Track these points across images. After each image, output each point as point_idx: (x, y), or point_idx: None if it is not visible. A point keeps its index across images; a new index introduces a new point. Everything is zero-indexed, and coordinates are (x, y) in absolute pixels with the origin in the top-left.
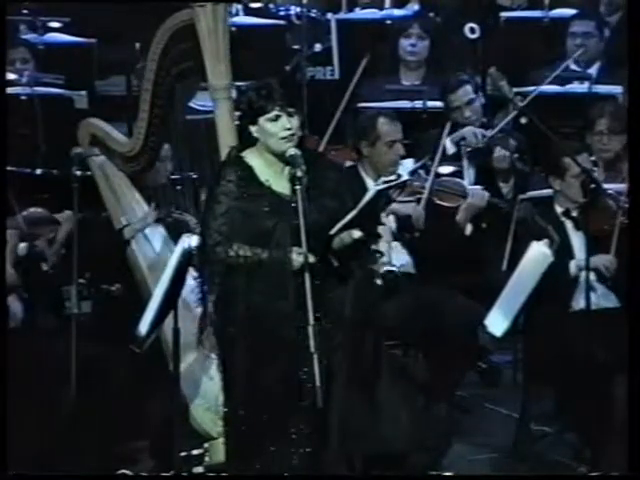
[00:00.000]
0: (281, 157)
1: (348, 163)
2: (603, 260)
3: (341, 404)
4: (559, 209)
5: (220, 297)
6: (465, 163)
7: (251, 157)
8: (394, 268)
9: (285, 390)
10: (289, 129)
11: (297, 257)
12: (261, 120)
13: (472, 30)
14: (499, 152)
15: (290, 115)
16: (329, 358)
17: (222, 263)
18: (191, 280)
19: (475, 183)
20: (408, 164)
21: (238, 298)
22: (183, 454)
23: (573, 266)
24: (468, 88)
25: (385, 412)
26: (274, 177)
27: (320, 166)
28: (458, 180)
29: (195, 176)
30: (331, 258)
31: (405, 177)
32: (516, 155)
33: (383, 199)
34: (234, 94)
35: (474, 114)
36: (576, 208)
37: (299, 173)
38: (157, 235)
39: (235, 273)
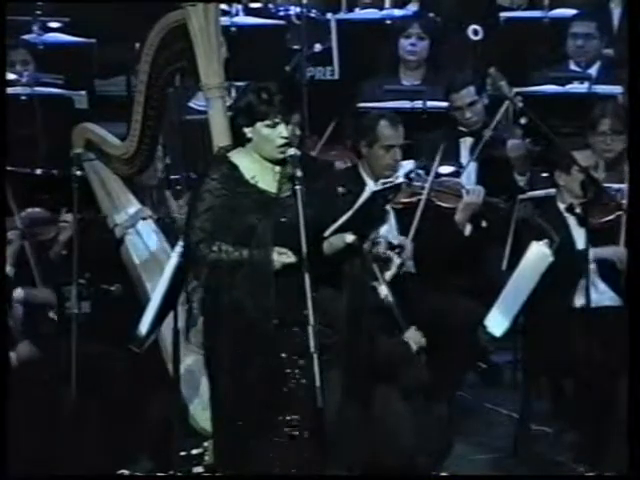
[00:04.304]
0: (272, 161)
1: (344, 164)
2: (618, 253)
3: (334, 405)
4: (562, 205)
5: (204, 294)
6: (470, 163)
7: (237, 156)
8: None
9: (268, 389)
10: (285, 137)
11: (278, 257)
12: (259, 124)
13: (475, 32)
14: (512, 141)
15: (288, 122)
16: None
17: (205, 260)
18: None
19: (485, 182)
20: (409, 166)
21: (222, 296)
22: (183, 454)
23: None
24: (471, 89)
25: (380, 413)
26: (261, 174)
27: (311, 168)
28: (457, 180)
29: (191, 176)
30: (320, 260)
31: (401, 180)
32: (528, 139)
33: (379, 202)
34: (233, 93)
35: (475, 115)
36: (580, 204)
37: (299, 173)
38: (151, 234)
39: (219, 270)
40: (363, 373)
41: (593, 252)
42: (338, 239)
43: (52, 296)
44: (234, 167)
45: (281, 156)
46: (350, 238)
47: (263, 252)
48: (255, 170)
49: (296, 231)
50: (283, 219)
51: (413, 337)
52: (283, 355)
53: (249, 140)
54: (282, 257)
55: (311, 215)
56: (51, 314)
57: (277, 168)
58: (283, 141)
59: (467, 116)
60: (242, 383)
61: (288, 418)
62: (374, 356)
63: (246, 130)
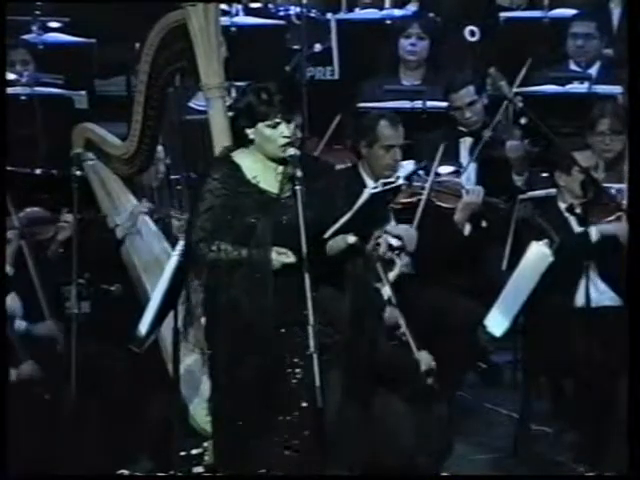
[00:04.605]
0: (275, 160)
1: (344, 164)
2: (621, 229)
3: (334, 405)
4: (563, 205)
5: (204, 294)
6: (470, 164)
7: (240, 156)
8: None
9: (268, 389)
10: (287, 137)
11: (278, 256)
12: (260, 125)
13: (472, 33)
14: (510, 142)
15: (288, 121)
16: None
17: (204, 259)
18: None
19: (484, 182)
20: (409, 166)
21: (221, 295)
22: (183, 454)
23: (594, 233)
24: (471, 89)
25: (380, 413)
26: (263, 174)
27: (312, 169)
28: (457, 180)
29: (191, 176)
30: (321, 260)
31: (401, 181)
32: (527, 140)
33: (379, 202)
34: (233, 93)
35: (474, 115)
36: (580, 204)
37: (299, 173)
38: (151, 234)
39: (217, 270)
40: (363, 373)
41: (596, 230)
42: (340, 240)
43: (55, 328)
44: (236, 167)
45: (284, 155)
46: (352, 239)
47: (262, 252)
48: (257, 170)
49: (296, 231)
50: (284, 219)
51: (424, 359)
52: (283, 355)
53: (251, 141)
54: (282, 257)
55: (311, 215)
56: (58, 347)
57: (280, 168)
58: (285, 140)
59: (467, 116)
60: (242, 383)
61: (288, 418)
62: (375, 356)
63: (248, 131)
